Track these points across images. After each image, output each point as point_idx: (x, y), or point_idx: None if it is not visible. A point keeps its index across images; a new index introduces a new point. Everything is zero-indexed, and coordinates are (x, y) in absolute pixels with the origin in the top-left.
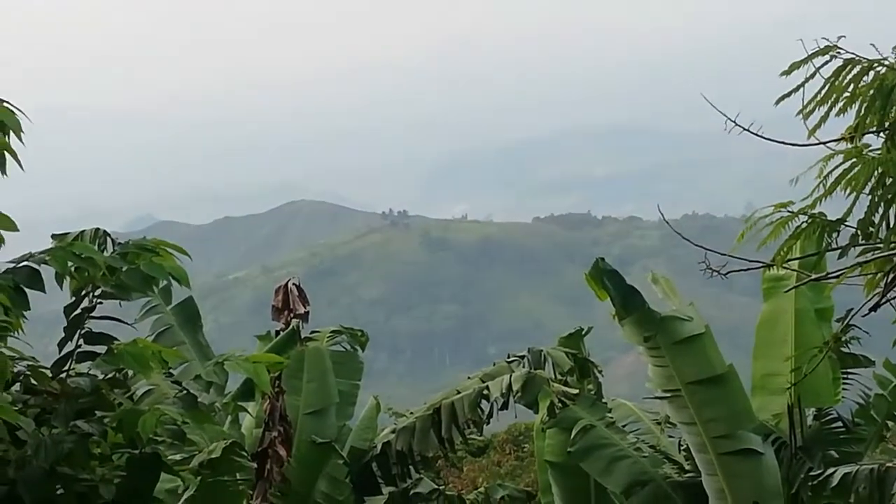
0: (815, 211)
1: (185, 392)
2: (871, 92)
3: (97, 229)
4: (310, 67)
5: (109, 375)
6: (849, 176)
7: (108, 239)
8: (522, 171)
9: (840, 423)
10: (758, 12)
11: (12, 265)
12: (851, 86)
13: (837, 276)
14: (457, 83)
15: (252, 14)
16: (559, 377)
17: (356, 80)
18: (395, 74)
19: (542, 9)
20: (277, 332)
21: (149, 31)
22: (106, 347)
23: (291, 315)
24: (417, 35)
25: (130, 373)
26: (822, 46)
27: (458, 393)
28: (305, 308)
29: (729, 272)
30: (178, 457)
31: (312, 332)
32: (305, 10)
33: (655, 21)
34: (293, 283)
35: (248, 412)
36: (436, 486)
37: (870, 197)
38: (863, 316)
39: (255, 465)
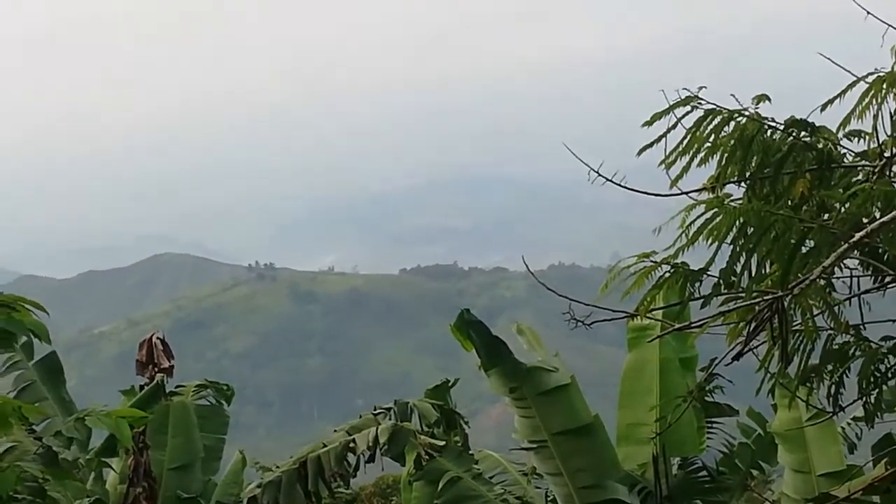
0: (678, 261)
1: (46, 448)
2: (732, 142)
3: None
4: (177, 110)
5: None
6: (711, 226)
7: None
8: (386, 222)
9: (705, 473)
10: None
11: None
12: (713, 136)
13: (700, 326)
14: (318, 131)
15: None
16: (426, 429)
17: (216, 129)
18: (260, 119)
19: (395, 56)
20: (142, 387)
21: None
22: None
23: (156, 369)
24: (278, 81)
25: None
26: (683, 97)
27: (325, 446)
28: (170, 362)
29: (593, 322)
30: None
31: (178, 386)
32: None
33: (512, 66)
34: (157, 338)
35: (111, 468)
36: None
37: (731, 247)
38: (726, 365)
39: None
